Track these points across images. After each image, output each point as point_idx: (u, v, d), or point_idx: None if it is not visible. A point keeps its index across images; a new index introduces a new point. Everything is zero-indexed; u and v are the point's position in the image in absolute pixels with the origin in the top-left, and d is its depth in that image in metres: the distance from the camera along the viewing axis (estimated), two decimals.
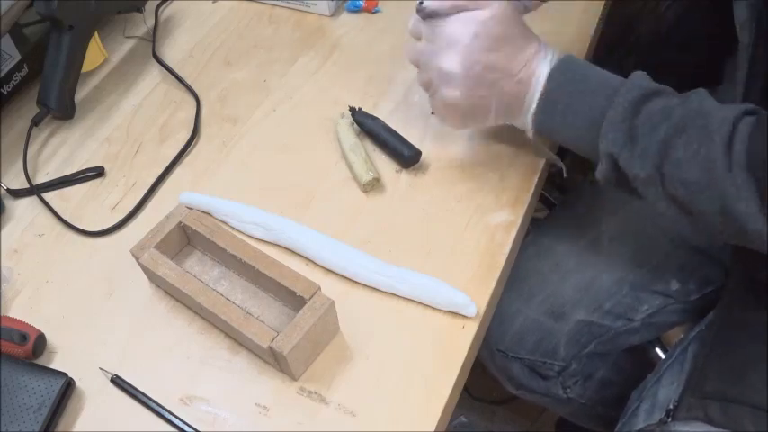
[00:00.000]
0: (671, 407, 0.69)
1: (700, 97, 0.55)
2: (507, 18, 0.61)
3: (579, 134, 0.60)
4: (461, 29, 0.61)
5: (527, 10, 0.71)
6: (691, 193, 0.53)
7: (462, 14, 0.61)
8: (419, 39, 0.66)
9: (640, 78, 0.58)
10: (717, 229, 0.55)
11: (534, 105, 0.61)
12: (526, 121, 0.63)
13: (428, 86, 0.66)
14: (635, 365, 0.90)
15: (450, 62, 0.61)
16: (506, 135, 0.74)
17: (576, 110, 0.59)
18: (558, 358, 0.82)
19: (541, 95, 0.61)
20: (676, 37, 0.58)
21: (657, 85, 0.57)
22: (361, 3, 0.89)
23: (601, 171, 0.59)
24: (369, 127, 0.75)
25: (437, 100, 0.65)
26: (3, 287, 0.68)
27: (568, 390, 0.87)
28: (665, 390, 0.74)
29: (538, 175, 0.71)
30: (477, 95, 0.63)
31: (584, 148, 0.61)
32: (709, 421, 0.64)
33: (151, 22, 0.92)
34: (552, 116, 0.61)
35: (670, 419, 0.68)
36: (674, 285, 0.81)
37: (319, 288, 0.59)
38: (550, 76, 0.60)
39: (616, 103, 0.57)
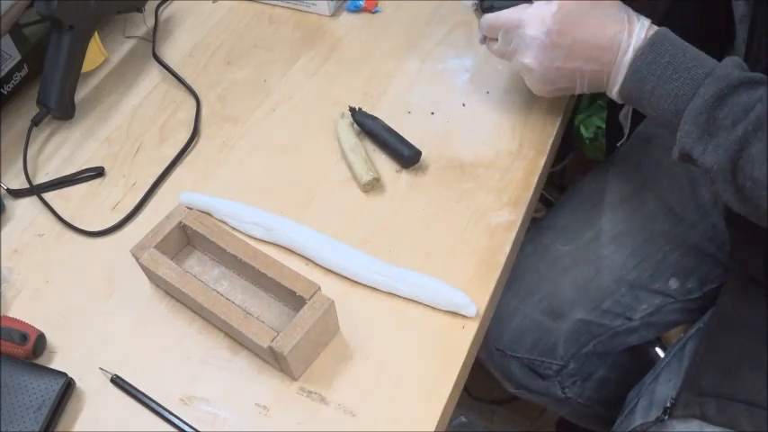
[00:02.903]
0: (668, 404, 0.69)
1: None
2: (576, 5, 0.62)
3: (664, 115, 0.60)
4: (532, 30, 0.63)
5: None
6: (758, 191, 0.53)
7: (530, 11, 0.63)
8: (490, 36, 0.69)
9: (730, 67, 0.57)
10: None
11: (620, 81, 0.62)
12: (612, 95, 0.64)
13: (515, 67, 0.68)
14: (634, 366, 0.90)
15: (528, 60, 0.64)
16: (507, 135, 0.74)
17: (662, 93, 0.59)
18: (556, 357, 0.82)
19: (628, 74, 0.61)
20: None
21: (746, 73, 0.56)
22: (362, 3, 0.89)
23: (675, 154, 0.60)
24: (369, 127, 0.75)
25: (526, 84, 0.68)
26: (3, 287, 0.68)
27: (566, 389, 0.87)
28: (663, 387, 0.74)
29: (538, 175, 0.71)
30: (562, 85, 0.66)
31: (669, 127, 0.60)
32: (706, 419, 0.64)
33: (151, 22, 0.92)
34: (640, 94, 0.61)
35: (667, 417, 0.68)
36: (674, 284, 0.81)
37: (319, 288, 0.59)
38: (639, 57, 0.60)
39: (698, 94, 0.56)
